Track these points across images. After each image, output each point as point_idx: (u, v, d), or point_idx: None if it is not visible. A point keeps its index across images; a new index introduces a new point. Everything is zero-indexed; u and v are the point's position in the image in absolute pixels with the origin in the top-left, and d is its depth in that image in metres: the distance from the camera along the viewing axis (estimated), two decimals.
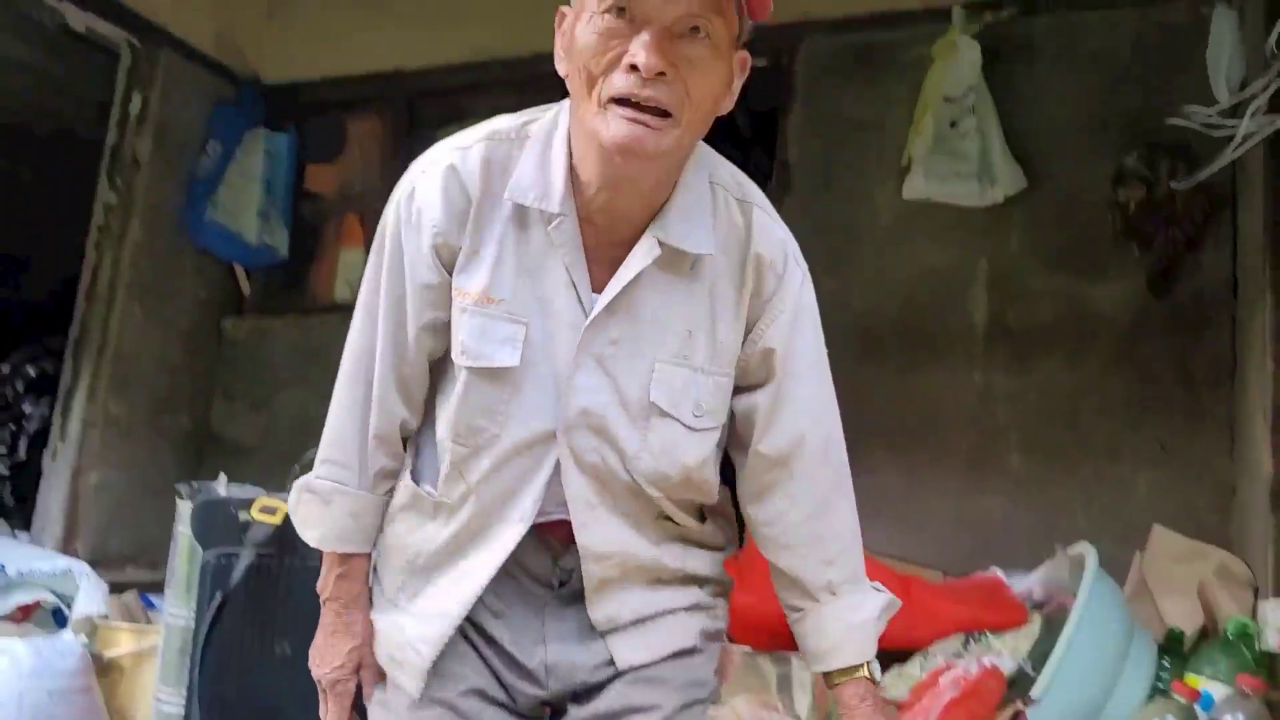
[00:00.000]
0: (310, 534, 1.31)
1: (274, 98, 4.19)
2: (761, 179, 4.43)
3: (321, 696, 1.32)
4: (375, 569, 1.35)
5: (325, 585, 1.31)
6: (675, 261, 1.18)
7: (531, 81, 3.67)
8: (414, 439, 1.31)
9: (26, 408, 4.69)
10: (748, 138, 5.01)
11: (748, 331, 1.23)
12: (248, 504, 1.98)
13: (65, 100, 5.21)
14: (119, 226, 3.68)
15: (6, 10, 4.20)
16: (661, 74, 1.07)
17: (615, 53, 1.08)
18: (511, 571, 1.23)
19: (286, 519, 1.96)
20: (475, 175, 1.19)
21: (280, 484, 3.66)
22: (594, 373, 1.18)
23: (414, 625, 1.25)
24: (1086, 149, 3.00)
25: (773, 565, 1.31)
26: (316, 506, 1.30)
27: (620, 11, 1.08)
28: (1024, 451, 2.96)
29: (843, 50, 3.37)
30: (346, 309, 4.33)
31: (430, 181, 1.20)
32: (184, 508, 2.07)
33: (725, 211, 1.22)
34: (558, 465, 1.20)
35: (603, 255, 1.18)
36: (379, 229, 1.28)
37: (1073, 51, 3.08)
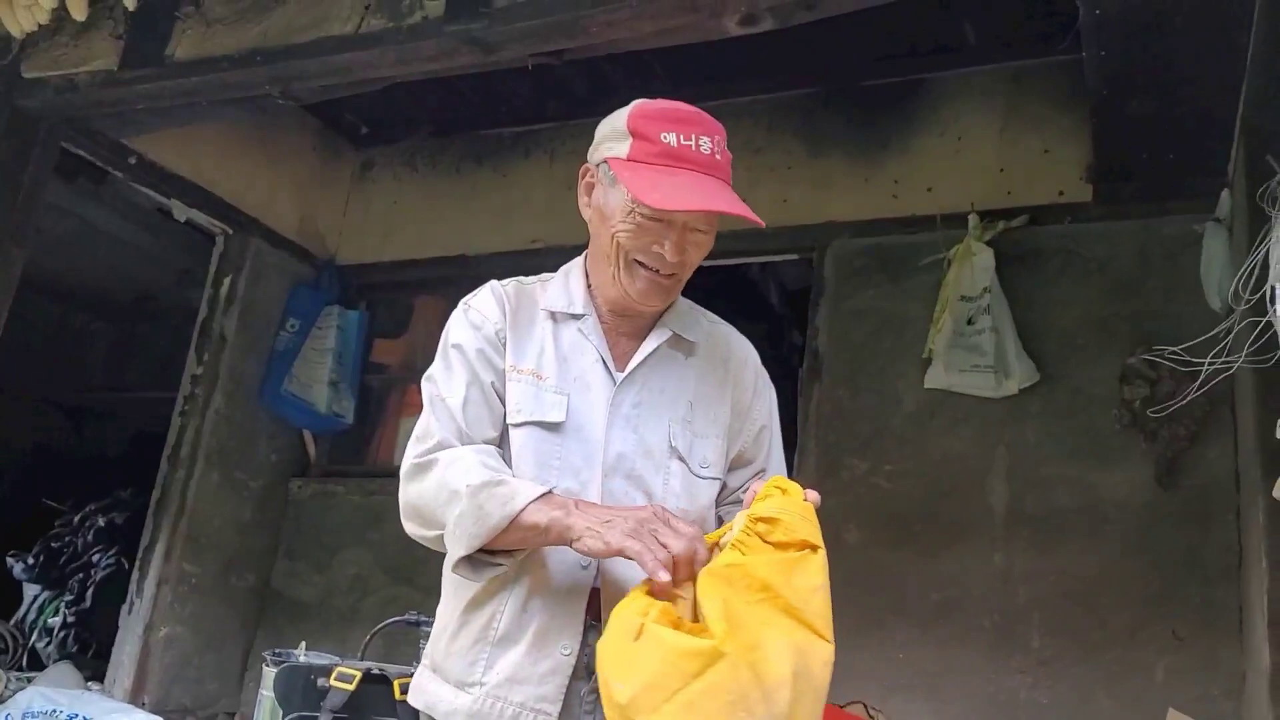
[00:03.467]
0: (500, 510, 1.32)
1: (347, 277, 4.59)
2: (792, 353, 4.72)
3: (651, 543, 1.29)
4: (428, 659, 1.47)
5: (564, 525, 1.31)
6: (677, 346, 1.54)
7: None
8: None
9: (95, 557, 4.97)
10: (780, 314, 5.36)
11: (741, 413, 1.56)
12: (327, 671, 2.19)
13: (150, 269, 5.69)
14: (204, 396, 4.01)
15: (116, 196, 4.70)
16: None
17: (647, 242, 1.44)
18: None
19: (360, 685, 2.18)
20: (511, 295, 1.53)
21: (337, 639, 3.88)
22: (624, 428, 1.47)
23: (520, 691, 1.35)
24: (1094, 347, 3.25)
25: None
26: (480, 497, 1.33)
27: (658, 221, 1.43)
28: (1045, 633, 3.11)
29: (868, 250, 3.69)
30: None
31: (482, 298, 1.53)
32: (268, 673, 2.27)
33: (703, 321, 1.60)
34: None
35: (619, 345, 1.52)
36: (442, 345, 1.52)
37: (1078, 258, 3.37)
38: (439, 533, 1.38)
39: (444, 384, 1.47)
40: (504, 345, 1.49)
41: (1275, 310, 1.76)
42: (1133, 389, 3.03)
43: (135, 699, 3.59)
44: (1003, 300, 3.34)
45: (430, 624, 2.16)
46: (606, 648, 1.23)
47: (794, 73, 3.99)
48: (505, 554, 1.36)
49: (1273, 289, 1.77)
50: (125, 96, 3.19)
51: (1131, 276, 3.30)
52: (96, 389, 6.59)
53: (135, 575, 3.85)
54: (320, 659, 2.29)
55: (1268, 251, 1.79)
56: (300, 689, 2.18)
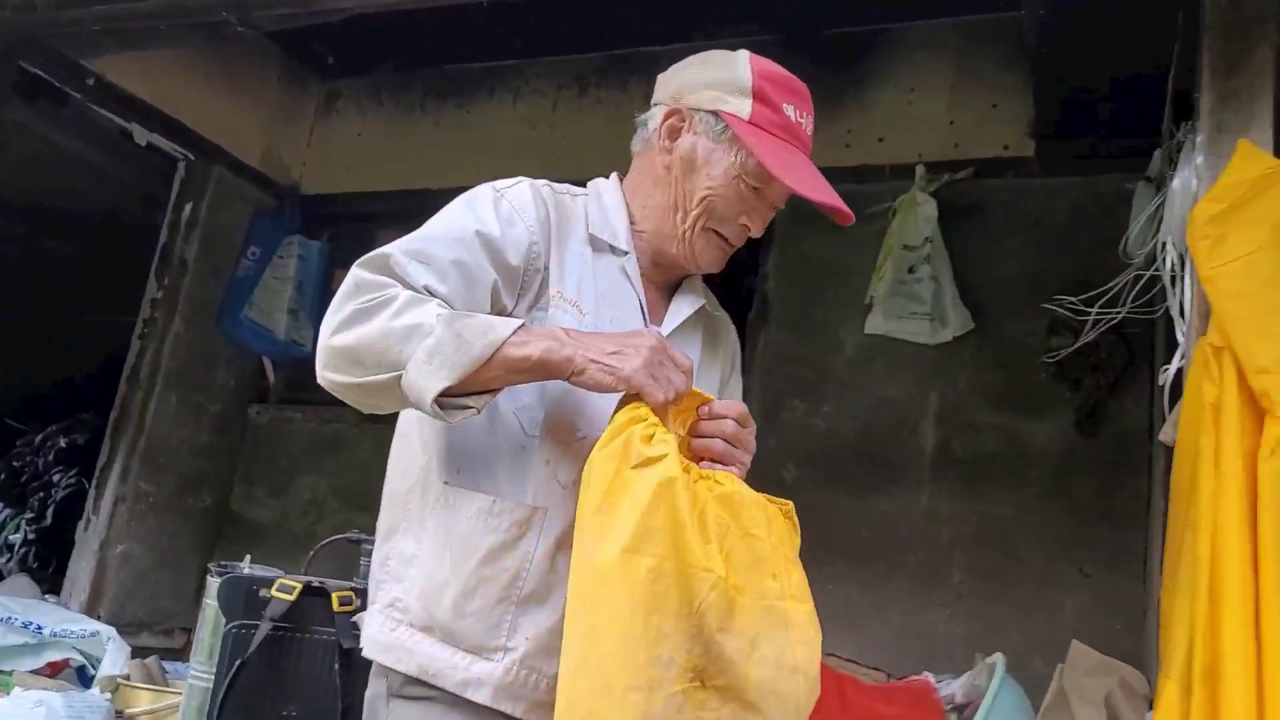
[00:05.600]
0: (481, 339, 1.17)
1: (311, 208, 4.63)
2: (748, 299, 4.85)
3: (652, 368, 1.21)
4: (408, 615, 1.27)
5: (561, 356, 1.19)
6: (699, 315, 1.47)
7: None
8: (450, 456, 1.28)
9: (56, 476, 5.05)
10: (740, 258, 5.44)
11: (723, 383, 1.53)
12: (269, 582, 2.29)
13: (114, 192, 5.69)
14: (163, 321, 4.07)
15: (80, 119, 4.69)
16: None
17: (737, 211, 1.38)
18: None
19: (301, 596, 2.29)
20: (550, 201, 1.36)
21: (292, 561, 3.99)
22: None
23: (555, 664, 1.15)
24: (1028, 299, 3.36)
25: None
26: (446, 331, 1.17)
27: (757, 191, 1.39)
28: (964, 570, 3.27)
29: None
30: None
31: (519, 192, 1.34)
32: (212, 583, 2.38)
33: (713, 297, 1.53)
34: None
35: (650, 294, 1.42)
36: (444, 216, 1.31)
37: (1018, 213, 3.48)
38: (379, 376, 1.17)
39: (426, 246, 1.25)
40: (536, 258, 1.31)
41: (1163, 264, 1.87)
42: (1060, 339, 3.15)
43: (91, 612, 3.70)
44: (943, 251, 3.44)
45: (370, 540, 2.26)
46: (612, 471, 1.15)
47: (757, 20, 4.03)
48: (474, 395, 1.18)
49: (1162, 245, 1.88)
50: (82, 18, 3.20)
51: (1067, 232, 3.40)
52: (64, 311, 6.59)
53: (92, 493, 3.94)
54: (264, 571, 2.39)
55: (1160, 207, 1.89)
56: (242, 598, 2.28)
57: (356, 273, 1.23)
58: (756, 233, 1.41)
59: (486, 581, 1.24)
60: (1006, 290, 3.42)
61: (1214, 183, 1.68)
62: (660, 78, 1.48)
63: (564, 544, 1.24)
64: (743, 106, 1.36)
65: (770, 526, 1.24)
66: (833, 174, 3.91)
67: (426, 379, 1.15)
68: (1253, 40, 1.77)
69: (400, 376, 1.17)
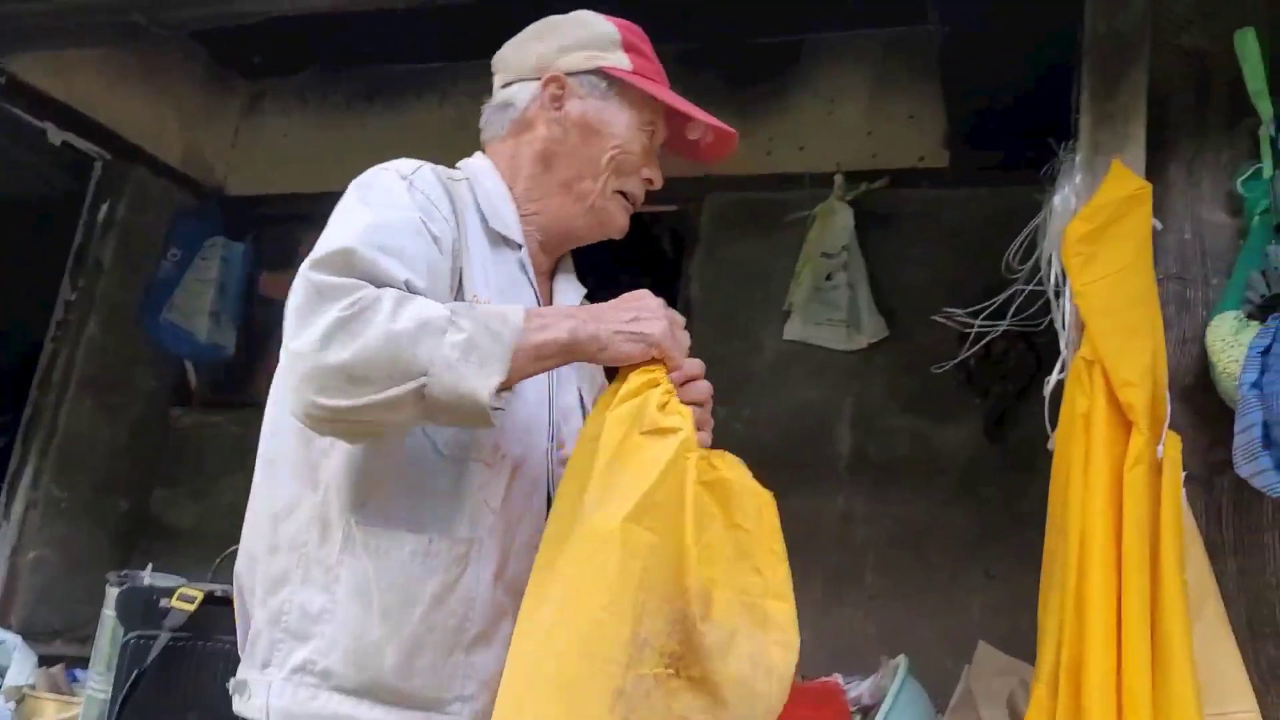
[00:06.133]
0: (504, 327, 1.09)
1: (234, 209, 4.56)
2: (674, 302, 4.89)
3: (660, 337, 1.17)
4: (325, 678, 1.12)
5: (588, 333, 1.13)
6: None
7: None
8: (353, 490, 1.14)
9: None
10: (673, 260, 5.49)
11: (589, 381, 1.42)
12: (169, 592, 2.27)
13: (33, 187, 5.56)
14: (77, 323, 3.99)
15: None
16: None
17: (639, 164, 1.36)
18: None
19: (202, 605, 2.27)
20: (450, 186, 1.28)
21: (212, 565, 3.93)
22: (558, 386, 1.29)
23: None
24: (939, 307, 3.43)
25: None
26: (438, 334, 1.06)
27: (651, 136, 1.37)
28: (877, 571, 3.33)
29: (740, 204, 3.82)
30: None
31: (424, 177, 1.25)
32: (111, 593, 2.35)
33: None
34: (548, 485, 1.22)
35: (540, 285, 1.36)
36: (361, 192, 1.22)
37: (932, 222, 3.55)
38: (394, 391, 1.03)
39: (388, 238, 1.12)
40: (457, 255, 1.22)
41: (1047, 279, 1.94)
42: (969, 348, 3.22)
43: (1, 621, 3.62)
44: (860, 258, 3.51)
45: None
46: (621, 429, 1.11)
47: (677, 28, 4.06)
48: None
49: (1046, 258, 1.94)
50: None
51: (979, 241, 3.46)
52: None
53: (3, 499, 3.85)
54: (166, 580, 2.37)
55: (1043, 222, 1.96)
56: (141, 608, 2.26)
57: (313, 277, 1.07)
58: (658, 183, 1.39)
59: (434, 630, 1.13)
60: (920, 298, 3.48)
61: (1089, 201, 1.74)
62: (502, 56, 1.44)
63: (500, 573, 1.17)
64: (621, 59, 1.35)
65: (760, 517, 1.23)
66: (754, 181, 3.97)
67: (473, 377, 1.03)
68: (1128, 63, 1.84)
69: (424, 385, 1.02)
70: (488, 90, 4.84)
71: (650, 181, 1.38)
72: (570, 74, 1.35)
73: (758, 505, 1.23)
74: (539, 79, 1.37)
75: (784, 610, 1.24)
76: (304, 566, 1.17)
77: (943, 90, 3.22)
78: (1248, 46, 1.70)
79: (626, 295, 1.21)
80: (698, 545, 1.12)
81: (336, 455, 1.17)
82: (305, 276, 1.08)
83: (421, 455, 1.16)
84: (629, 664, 1.06)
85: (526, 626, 1.09)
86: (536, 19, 4.13)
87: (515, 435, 1.21)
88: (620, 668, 1.05)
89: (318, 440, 1.16)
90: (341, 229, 1.14)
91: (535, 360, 1.10)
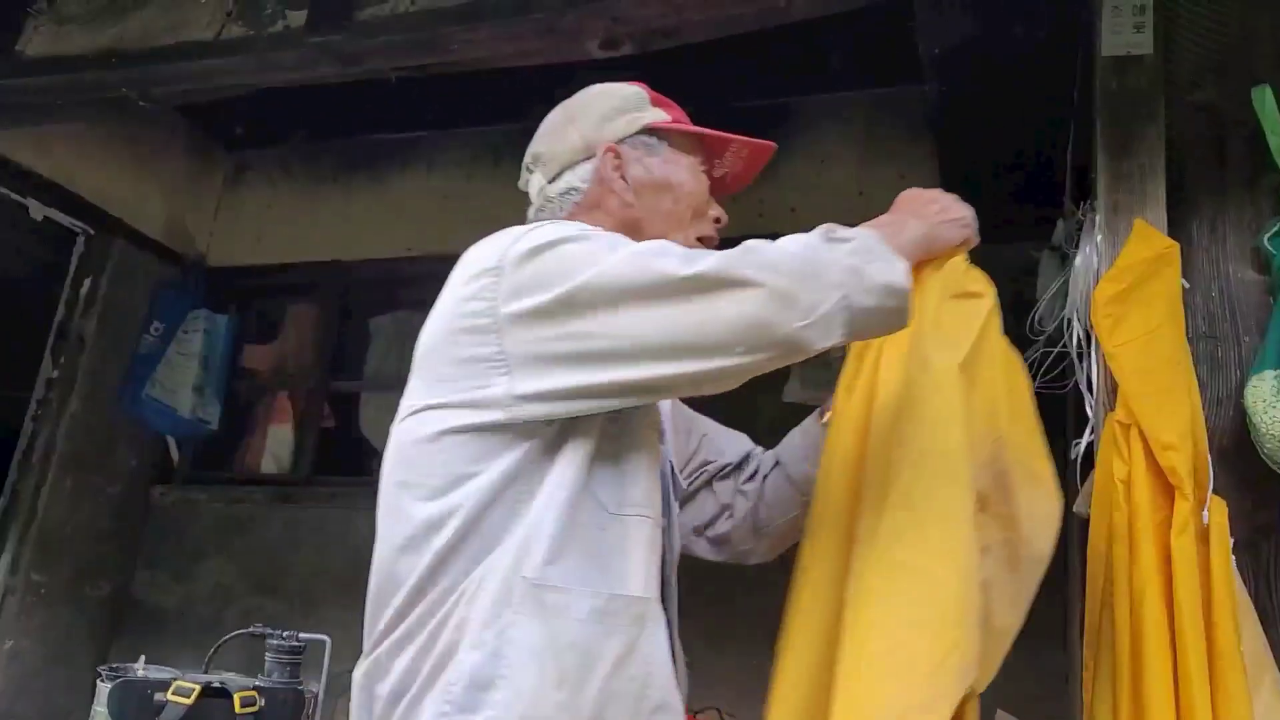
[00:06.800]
0: (868, 234, 1.21)
1: (218, 281, 4.50)
2: None
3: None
4: None
5: (929, 235, 1.31)
6: None
7: None
8: (530, 542, 1.08)
9: None
10: None
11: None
12: (164, 685, 2.16)
13: (13, 262, 5.47)
14: (58, 401, 3.89)
15: None
16: None
17: (709, 202, 1.40)
18: None
19: (199, 700, 2.16)
20: None
21: (198, 649, 3.80)
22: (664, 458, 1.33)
23: None
24: None
25: None
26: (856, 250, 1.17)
27: (707, 174, 1.41)
28: None
29: None
30: (272, 482, 4.65)
31: None
32: (103, 689, 2.23)
33: None
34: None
35: None
36: (578, 236, 1.18)
37: None
38: (814, 315, 1.08)
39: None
40: None
41: (1070, 340, 1.90)
42: None
43: None
44: None
45: (276, 635, 2.15)
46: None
47: (667, 91, 4.07)
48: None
49: (1068, 321, 1.91)
50: None
51: None
52: None
53: None
54: (160, 672, 2.26)
55: (1065, 282, 1.93)
56: (135, 704, 2.15)
57: (685, 271, 1.09)
58: (724, 220, 1.42)
59: (616, 698, 1.06)
60: None
61: (1113, 260, 1.71)
62: (538, 153, 1.43)
63: (671, 637, 1.16)
64: (658, 113, 1.38)
65: (1025, 384, 1.38)
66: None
67: (886, 271, 1.13)
68: (1143, 121, 1.82)
69: (844, 296, 1.10)
70: (473, 158, 4.79)
71: (718, 220, 1.41)
72: (620, 141, 1.36)
73: (1023, 372, 1.40)
74: (592, 156, 1.37)
75: (1049, 471, 1.37)
76: (465, 629, 1.07)
77: (937, 149, 3.22)
78: (1266, 103, 1.69)
79: (908, 195, 1.38)
80: (1006, 399, 1.30)
81: (500, 509, 1.11)
82: (678, 278, 1.09)
83: (588, 511, 1.13)
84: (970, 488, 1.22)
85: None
86: (521, 90, 4.09)
87: (654, 495, 1.22)
88: (964, 490, 1.21)
89: (481, 493, 1.11)
90: (621, 251, 1.13)
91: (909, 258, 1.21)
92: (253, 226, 4.60)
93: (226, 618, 3.98)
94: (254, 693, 2.19)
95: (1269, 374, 1.55)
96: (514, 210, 4.65)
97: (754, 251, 1.11)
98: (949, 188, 3.43)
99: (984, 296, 1.34)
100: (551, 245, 1.14)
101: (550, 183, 1.40)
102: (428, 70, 2.95)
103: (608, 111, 1.38)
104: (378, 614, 1.15)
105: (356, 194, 4.50)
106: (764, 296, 1.08)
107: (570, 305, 1.09)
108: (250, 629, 2.40)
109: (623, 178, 1.35)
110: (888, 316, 1.14)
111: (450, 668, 1.06)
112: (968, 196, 3.52)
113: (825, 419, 1.46)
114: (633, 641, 1.09)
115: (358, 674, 1.18)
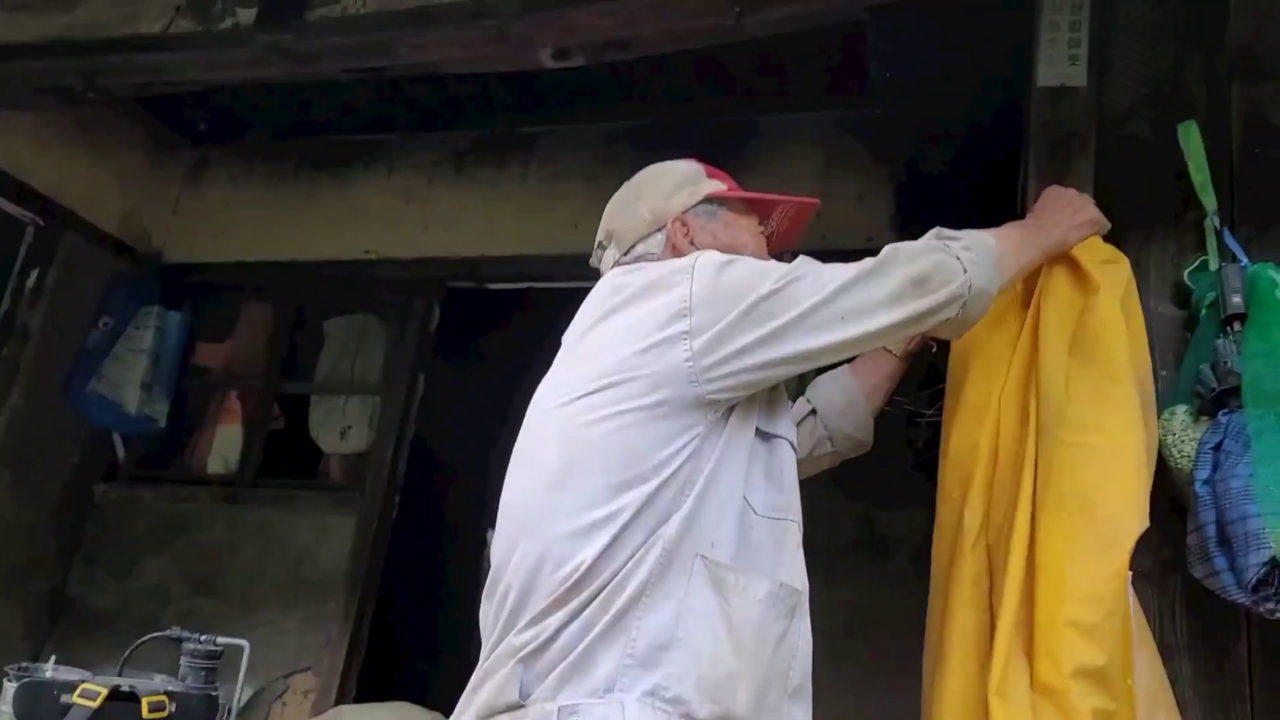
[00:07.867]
0: (981, 241, 1.45)
1: (173, 277, 4.45)
2: None
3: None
4: (717, 713, 1.18)
5: (1053, 239, 1.58)
6: None
7: (416, 282, 4.03)
8: (699, 527, 1.24)
9: None
10: None
11: None
12: (71, 687, 2.12)
13: None
14: (0, 393, 3.82)
15: None
16: None
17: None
18: None
19: (105, 703, 2.12)
20: None
21: (131, 650, 3.73)
22: None
23: None
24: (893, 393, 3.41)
25: None
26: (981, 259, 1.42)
27: (762, 234, 1.60)
28: (827, 660, 3.22)
29: None
30: (218, 483, 4.55)
31: None
32: (9, 688, 2.19)
33: None
34: None
35: None
36: (756, 266, 1.43)
37: None
38: (937, 296, 1.38)
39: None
40: None
41: None
42: (916, 431, 3.19)
43: None
44: None
45: (193, 639, 2.10)
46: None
47: (631, 103, 4.07)
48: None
49: None
50: None
51: None
52: None
53: None
54: (69, 674, 2.22)
55: None
56: (42, 705, 2.11)
57: (849, 273, 1.47)
58: None
59: (775, 675, 1.23)
60: None
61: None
62: (610, 230, 1.56)
63: (807, 628, 1.31)
64: (714, 184, 1.54)
65: None
66: None
67: (986, 277, 1.39)
68: (1074, 152, 1.83)
69: (960, 294, 1.37)
70: (436, 163, 4.70)
71: None
72: (684, 211, 1.51)
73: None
74: (662, 228, 1.51)
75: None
76: (647, 593, 1.20)
77: (891, 172, 3.23)
78: (1191, 139, 1.69)
79: (1048, 196, 1.63)
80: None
81: (672, 488, 1.25)
82: (834, 286, 1.46)
83: (744, 513, 1.29)
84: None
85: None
86: (483, 95, 4.04)
87: (796, 498, 1.42)
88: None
89: (658, 471, 1.25)
90: (771, 267, 1.40)
91: (1021, 272, 1.53)
92: (212, 223, 4.55)
93: (163, 617, 3.91)
94: (164, 697, 2.15)
95: (1180, 409, 1.55)
96: (471, 215, 4.62)
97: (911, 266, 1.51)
98: (904, 209, 3.46)
99: (1122, 263, 1.62)
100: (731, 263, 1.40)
101: (624, 255, 1.54)
102: (383, 74, 2.93)
103: (670, 188, 1.53)
104: (536, 586, 1.24)
105: (318, 193, 4.47)
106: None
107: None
108: (166, 632, 2.36)
109: (692, 243, 1.49)
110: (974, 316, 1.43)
111: (629, 627, 1.18)
112: (923, 217, 3.54)
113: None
114: (789, 628, 1.26)
115: (503, 649, 1.24)
